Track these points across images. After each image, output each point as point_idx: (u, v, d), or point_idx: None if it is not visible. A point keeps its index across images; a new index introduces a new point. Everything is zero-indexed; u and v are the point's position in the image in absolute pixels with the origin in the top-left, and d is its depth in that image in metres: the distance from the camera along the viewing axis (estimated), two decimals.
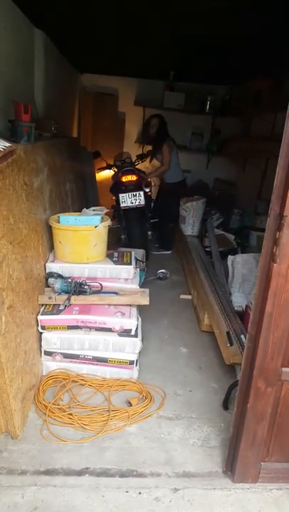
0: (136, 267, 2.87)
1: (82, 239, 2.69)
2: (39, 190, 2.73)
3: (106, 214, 2.92)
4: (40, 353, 2.54)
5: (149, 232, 4.62)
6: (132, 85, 6.42)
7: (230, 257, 3.57)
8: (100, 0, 2.86)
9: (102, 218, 2.81)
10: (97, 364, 2.53)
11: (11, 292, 2.06)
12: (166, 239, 5.19)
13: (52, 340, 2.47)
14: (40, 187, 2.78)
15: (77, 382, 2.48)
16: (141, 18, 3.20)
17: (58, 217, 2.78)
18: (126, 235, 4.43)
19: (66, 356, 2.52)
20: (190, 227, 4.99)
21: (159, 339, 3.08)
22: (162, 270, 4.21)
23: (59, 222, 2.75)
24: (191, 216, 4.95)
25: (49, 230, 2.88)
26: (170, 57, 4.74)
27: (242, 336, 2.57)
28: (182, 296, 3.85)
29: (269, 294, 1.58)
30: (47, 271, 2.71)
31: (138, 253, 3.64)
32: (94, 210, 2.86)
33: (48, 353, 2.52)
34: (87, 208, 2.97)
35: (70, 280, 2.60)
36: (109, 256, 2.91)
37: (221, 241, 4.44)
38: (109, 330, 2.48)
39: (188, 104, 6.11)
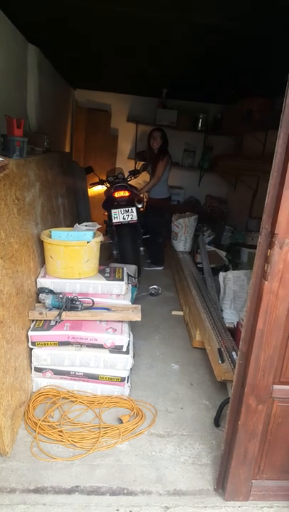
0: (128, 283, 2.88)
1: (74, 254, 2.69)
2: (31, 205, 2.74)
3: (98, 229, 2.93)
4: (31, 369, 2.51)
5: (142, 248, 4.63)
6: (125, 102, 6.50)
7: (221, 274, 3.59)
8: (96, 18, 2.93)
9: (94, 234, 2.82)
10: (88, 381, 2.51)
11: (1, 307, 2.05)
12: (158, 255, 5.20)
13: (42, 356, 2.45)
14: (32, 201, 2.78)
15: (68, 398, 2.45)
16: (136, 36, 3.29)
17: (50, 232, 2.79)
18: (118, 250, 4.44)
19: (56, 373, 2.50)
20: (182, 244, 5.02)
21: (151, 356, 3.06)
22: (154, 286, 4.22)
23: (51, 237, 2.76)
24: (183, 232, 4.99)
25: (41, 244, 2.88)
26: (164, 75, 4.84)
27: (233, 353, 2.57)
28: (174, 313, 3.85)
29: (260, 312, 1.59)
30: (38, 286, 2.70)
31: (130, 269, 3.64)
32: (86, 225, 2.87)
33: (39, 370, 2.49)
34: (79, 223, 2.98)
35: (61, 296, 2.60)
36: (101, 272, 2.91)
37: (212, 257, 4.47)
38: (101, 346, 2.47)
39: (181, 121, 6.19)
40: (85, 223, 2.90)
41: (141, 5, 2.61)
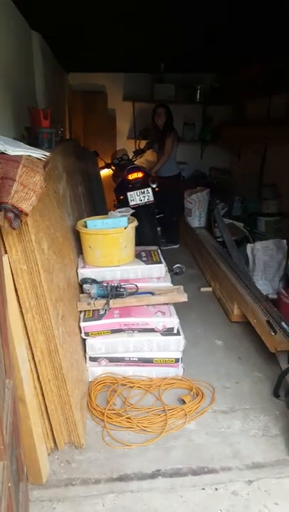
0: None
1: (113, 242, 2.68)
2: (64, 197, 2.71)
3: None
4: (85, 359, 2.52)
5: (159, 228, 4.60)
6: (119, 81, 6.34)
7: (249, 245, 3.60)
8: None
9: (128, 219, 2.79)
10: (142, 365, 2.53)
11: (61, 302, 2.04)
12: (172, 233, 5.19)
13: (97, 345, 2.46)
14: (64, 193, 2.75)
15: (126, 385, 2.48)
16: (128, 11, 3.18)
17: (85, 222, 2.76)
18: (136, 232, 4.40)
19: (111, 360, 2.51)
20: (197, 219, 5.00)
21: (193, 334, 3.08)
22: (178, 265, 4.21)
23: (86, 227, 2.73)
24: (196, 208, 4.96)
25: (75, 235, 2.86)
26: (159, 48, 4.71)
27: (283, 323, 2.59)
28: (203, 289, 3.86)
29: None
30: (80, 277, 2.69)
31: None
32: (119, 211, 2.84)
33: (93, 359, 2.51)
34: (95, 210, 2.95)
35: (105, 284, 2.59)
36: (138, 256, 2.90)
37: (231, 230, 4.46)
38: (152, 330, 2.48)
39: (179, 94, 6.07)
40: (118, 209, 2.86)
41: None
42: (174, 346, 2.49)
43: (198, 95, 6.21)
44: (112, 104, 6.43)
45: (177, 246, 5.20)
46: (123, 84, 6.38)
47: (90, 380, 2.54)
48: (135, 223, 2.78)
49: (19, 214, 1.45)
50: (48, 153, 1.86)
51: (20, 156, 1.55)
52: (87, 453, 2.03)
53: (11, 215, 1.40)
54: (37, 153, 1.70)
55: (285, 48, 4.23)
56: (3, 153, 1.54)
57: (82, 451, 2.03)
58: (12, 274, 1.69)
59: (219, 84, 6.02)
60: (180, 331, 2.54)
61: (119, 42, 4.36)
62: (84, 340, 2.48)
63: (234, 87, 5.57)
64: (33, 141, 2.48)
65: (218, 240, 4.47)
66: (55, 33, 3.71)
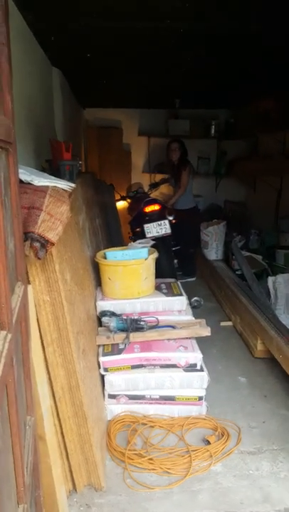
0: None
1: (133, 273, 2.63)
2: (83, 228, 2.70)
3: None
4: (103, 396, 2.43)
5: (175, 261, 4.56)
6: (134, 117, 6.50)
7: (270, 278, 3.52)
8: (116, 35, 2.92)
9: (148, 250, 2.76)
10: (164, 403, 2.42)
11: (82, 335, 1.98)
12: (189, 266, 5.13)
13: (116, 382, 2.36)
14: (84, 225, 2.74)
15: (147, 424, 2.36)
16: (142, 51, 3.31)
17: (104, 253, 2.73)
18: None
19: (132, 398, 2.41)
20: (214, 252, 4.95)
21: (214, 370, 2.96)
22: (196, 298, 4.12)
23: (105, 258, 2.70)
24: (213, 240, 4.92)
25: (94, 267, 2.82)
26: (173, 86, 4.83)
27: None
28: (223, 324, 3.76)
29: None
30: (98, 310, 2.64)
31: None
32: (140, 242, 2.81)
33: (112, 396, 2.41)
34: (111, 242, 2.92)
35: (125, 317, 2.52)
36: (158, 288, 2.84)
37: (249, 262, 4.39)
38: (174, 366, 2.38)
39: (193, 129, 6.18)
40: (138, 241, 2.84)
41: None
42: (198, 383, 2.39)
43: (212, 130, 6.32)
44: (128, 139, 6.55)
45: (194, 279, 5.13)
46: (138, 119, 6.54)
47: (108, 418, 2.43)
48: (156, 254, 2.74)
49: (45, 243, 1.42)
50: (73, 184, 1.86)
51: (47, 186, 1.54)
52: (108, 496, 1.91)
53: (37, 244, 1.37)
54: (62, 184, 1.69)
55: None
56: (29, 183, 1.54)
57: (102, 494, 1.92)
58: (34, 306, 1.64)
59: (233, 119, 6.11)
60: (203, 366, 2.44)
61: (133, 81, 4.49)
62: (102, 376, 2.39)
63: (248, 121, 5.64)
64: (54, 173, 2.50)
65: (237, 272, 4.40)
66: (73, 69, 3.83)
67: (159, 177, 5.66)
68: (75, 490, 1.92)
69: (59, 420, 1.82)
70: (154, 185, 5.41)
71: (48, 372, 1.76)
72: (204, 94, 5.31)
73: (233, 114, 6.26)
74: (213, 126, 6.27)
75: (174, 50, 3.31)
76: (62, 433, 1.83)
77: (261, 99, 5.09)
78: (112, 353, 2.39)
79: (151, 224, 4.24)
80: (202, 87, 4.84)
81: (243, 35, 2.95)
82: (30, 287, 1.56)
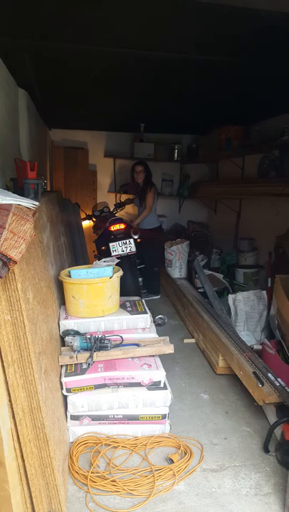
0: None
1: (98, 291, 2.63)
2: (47, 246, 2.68)
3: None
4: (66, 417, 2.39)
5: (140, 279, 4.60)
6: (100, 138, 6.58)
7: (230, 296, 3.61)
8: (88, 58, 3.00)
9: (113, 268, 2.78)
10: (127, 423, 2.41)
11: (44, 355, 1.96)
12: (153, 284, 5.18)
13: (79, 402, 2.33)
14: (48, 243, 2.73)
15: (110, 444, 2.34)
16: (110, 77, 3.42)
17: (69, 271, 2.72)
18: None
19: (95, 418, 2.38)
20: (177, 270, 5.03)
21: (178, 388, 2.99)
22: (160, 316, 4.17)
23: (70, 276, 2.69)
24: (177, 259, 5.00)
25: (57, 286, 2.81)
26: (139, 111, 4.98)
27: (269, 375, 2.55)
28: (186, 341, 3.80)
29: None
30: (62, 329, 2.61)
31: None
32: (105, 261, 2.83)
33: (75, 418, 2.37)
34: (76, 260, 2.93)
35: (88, 336, 2.51)
36: (122, 306, 2.85)
37: (211, 281, 4.49)
38: (138, 384, 2.39)
39: (157, 153, 6.33)
40: (103, 259, 2.85)
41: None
42: (161, 401, 2.40)
43: (176, 154, 6.49)
44: (94, 160, 6.61)
45: (158, 297, 5.17)
46: (104, 141, 6.62)
47: (71, 440, 2.39)
48: (120, 272, 2.76)
49: (7, 262, 1.41)
50: (37, 203, 1.87)
51: (10, 204, 1.54)
52: None
53: None
54: (26, 203, 1.69)
55: (260, 113, 4.57)
56: None
57: None
58: None
59: (196, 145, 6.31)
60: (167, 384, 2.46)
61: (100, 105, 4.60)
62: (65, 396, 2.36)
63: (211, 147, 5.83)
64: (19, 192, 2.50)
65: (200, 290, 4.48)
66: (39, 92, 3.88)
67: (124, 197, 5.72)
68: None
69: (19, 443, 1.76)
70: (119, 205, 5.46)
71: (9, 394, 1.72)
72: (168, 121, 5.51)
73: (195, 139, 6.47)
74: (176, 151, 6.44)
75: (139, 77, 3.43)
76: (22, 457, 1.78)
77: (222, 127, 5.30)
78: (75, 373, 2.36)
79: (117, 242, 4.28)
80: (167, 115, 5.02)
81: (209, 67, 3.08)
82: None
